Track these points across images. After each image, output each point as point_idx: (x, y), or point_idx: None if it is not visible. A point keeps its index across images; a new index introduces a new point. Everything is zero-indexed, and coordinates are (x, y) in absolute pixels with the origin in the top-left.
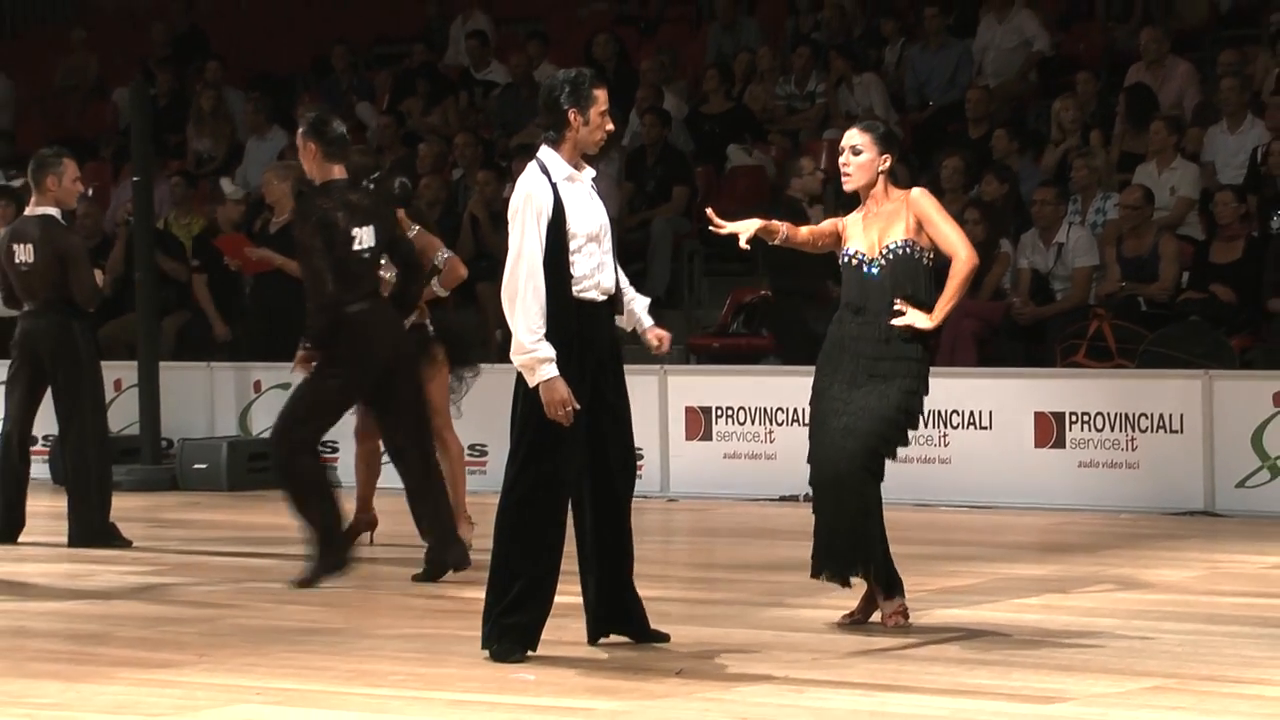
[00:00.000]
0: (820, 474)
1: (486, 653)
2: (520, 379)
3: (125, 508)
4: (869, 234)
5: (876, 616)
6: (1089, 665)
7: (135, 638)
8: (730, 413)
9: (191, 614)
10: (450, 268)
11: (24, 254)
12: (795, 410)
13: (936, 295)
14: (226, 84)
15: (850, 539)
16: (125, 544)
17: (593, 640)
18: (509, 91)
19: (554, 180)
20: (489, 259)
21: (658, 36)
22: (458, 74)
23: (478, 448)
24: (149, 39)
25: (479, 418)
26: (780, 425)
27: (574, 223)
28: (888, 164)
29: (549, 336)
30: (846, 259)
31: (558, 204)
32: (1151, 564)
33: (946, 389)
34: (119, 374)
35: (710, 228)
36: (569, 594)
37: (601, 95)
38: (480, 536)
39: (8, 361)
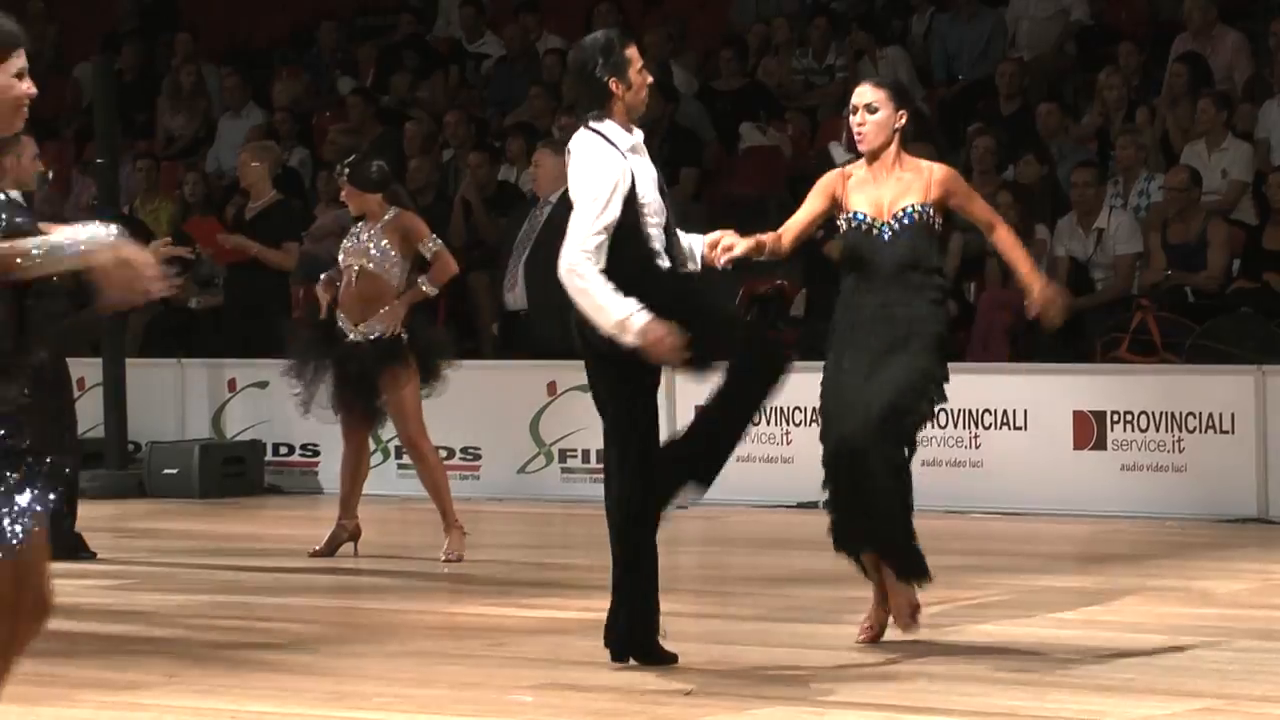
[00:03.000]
0: (836, 446)
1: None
2: (606, 379)
3: (89, 516)
4: (879, 196)
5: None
6: (1132, 685)
7: (100, 657)
8: None
9: (160, 631)
10: (439, 263)
11: None
12: (814, 410)
13: (942, 261)
14: (198, 58)
15: (865, 515)
16: (90, 555)
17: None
18: (504, 65)
19: (622, 151)
20: (483, 247)
21: (664, 6)
22: (448, 46)
23: (471, 451)
24: (113, 9)
25: (472, 420)
26: (798, 426)
27: (644, 194)
28: (903, 121)
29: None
30: (849, 224)
31: (631, 176)
32: (1200, 575)
33: (978, 387)
34: (81, 372)
35: (717, 258)
36: (569, 609)
37: (634, 53)
38: (506, 546)
39: None
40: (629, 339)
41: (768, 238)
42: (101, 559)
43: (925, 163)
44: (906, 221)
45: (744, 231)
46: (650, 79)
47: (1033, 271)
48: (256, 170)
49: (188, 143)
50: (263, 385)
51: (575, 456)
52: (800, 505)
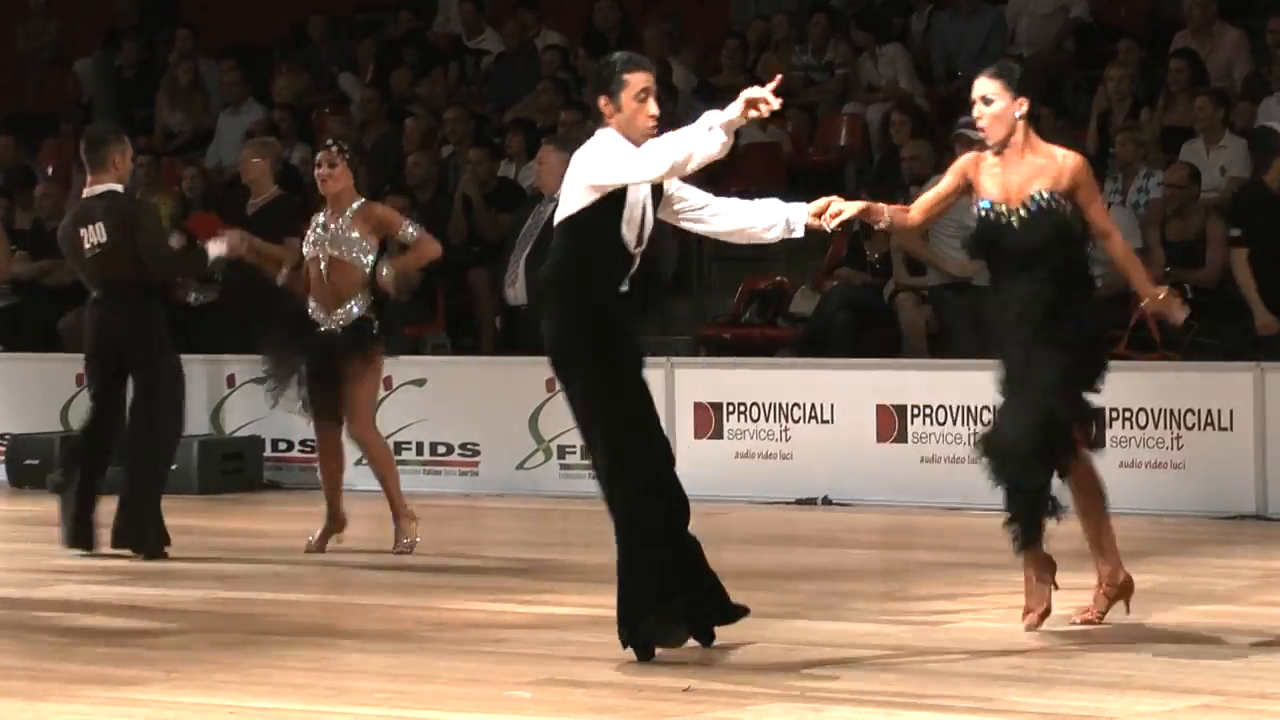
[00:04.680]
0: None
1: None
2: (578, 383)
3: None
4: (1008, 180)
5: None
6: (1131, 681)
7: (99, 653)
8: (743, 409)
9: (160, 627)
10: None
11: (94, 236)
12: (812, 406)
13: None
14: (198, 54)
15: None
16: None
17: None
18: (503, 62)
19: None
20: (483, 243)
21: (664, 2)
22: (448, 43)
23: (470, 447)
24: (113, 5)
25: (471, 416)
26: (797, 423)
27: (632, 204)
28: (1025, 108)
29: (599, 322)
30: (983, 213)
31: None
32: (1199, 572)
33: (978, 383)
34: (78, 368)
35: (826, 223)
36: (568, 605)
37: (635, 79)
38: (505, 542)
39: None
40: (734, 118)
41: (890, 208)
42: (102, 555)
43: (1059, 150)
44: (1034, 209)
45: None
46: (654, 110)
47: (1146, 282)
48: (257, 166)
49: (188, 139)
50: (262, 381)
51: (574, 452)
52: (799, 501)
